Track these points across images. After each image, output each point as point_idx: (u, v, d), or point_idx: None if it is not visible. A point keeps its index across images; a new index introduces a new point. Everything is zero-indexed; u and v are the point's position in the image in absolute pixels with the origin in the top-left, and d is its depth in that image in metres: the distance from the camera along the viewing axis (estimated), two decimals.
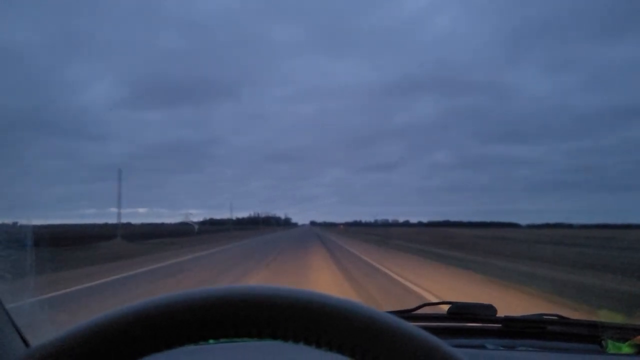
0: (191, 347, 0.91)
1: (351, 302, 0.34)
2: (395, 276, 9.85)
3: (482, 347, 1.09)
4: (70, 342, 0.32)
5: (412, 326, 0.33)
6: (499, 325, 1.18)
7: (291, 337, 0.33)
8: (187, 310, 0.33)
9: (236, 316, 0.33)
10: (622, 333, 1.11)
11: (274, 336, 0.33)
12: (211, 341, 0.34)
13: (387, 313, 0.34)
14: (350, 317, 0.33)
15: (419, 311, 1.26)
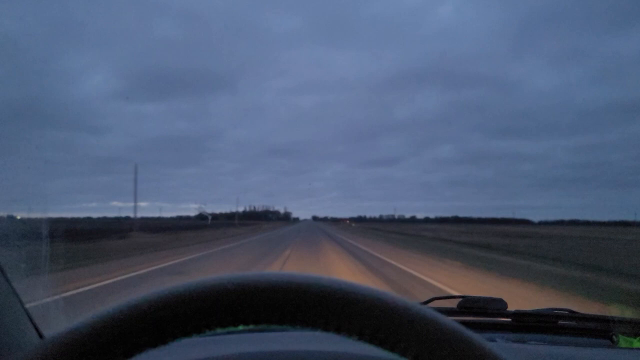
0: (212, 336, 0.95)
1: (381, 291, 0.35)
2: None
3: (493, 341, 1.12)
4: (87, 331, 0.32)
5: (448, 319, 0.34)
6: (509, 319, 1.22)
7: (321, 324, 0.34)
8: (211, 297, 0.33)
9: (269, 303, 0.33)
10: (633, 327, 1.15)
11: (294, 323, 0.34)
12: (241, 327, 0.34)
13: (420, 304, 0.35)
14: (384, 307, 0.33)
15: (430, 305, 1.30)
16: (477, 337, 0.33)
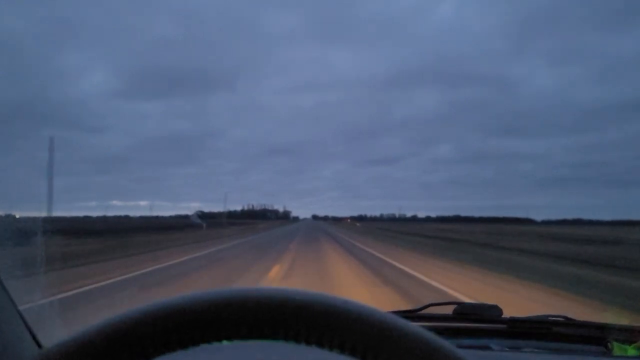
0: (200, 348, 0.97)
1: (356, 302, 0.35)
2: None
3: (487, 347, 1.14)
4: (85, 342, 0.33)
5: (414, 325, 0.35)
6: (504, 326, 1.24)
7: (292, 337, 0.34)
8: (201, 311, 0.34)
9: (249, 318, 0.34)
10: (628, 335, 1.17)
11: (275, 337, 0.34)
12: (224, 342, 0.35)
13: (390, 313, 0.36)
14: (354, 318, 0.34)
15: (425, 311, 1.32)
16: (447, 344, 0.34)
